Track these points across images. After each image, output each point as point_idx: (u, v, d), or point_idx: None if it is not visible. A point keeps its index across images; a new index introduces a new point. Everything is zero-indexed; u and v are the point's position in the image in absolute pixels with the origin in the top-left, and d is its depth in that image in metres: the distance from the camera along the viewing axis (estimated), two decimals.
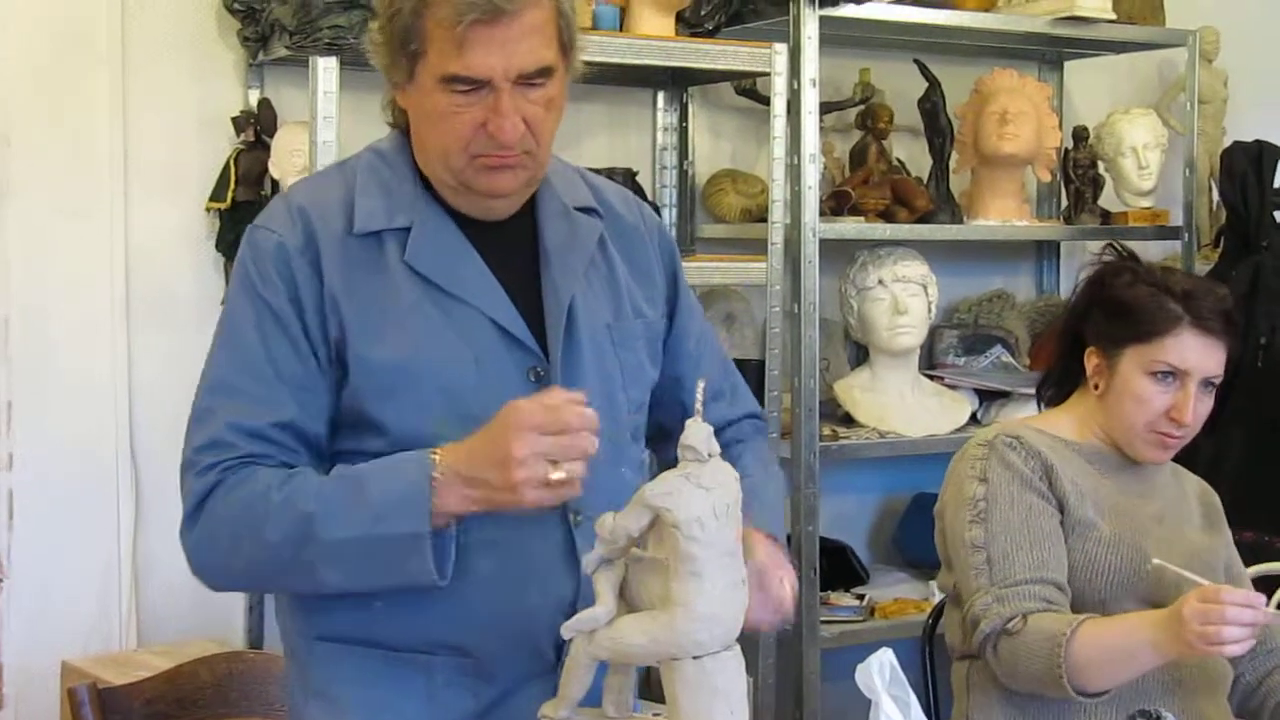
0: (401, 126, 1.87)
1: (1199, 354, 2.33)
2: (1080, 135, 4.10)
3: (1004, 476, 2.35)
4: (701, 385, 1.58)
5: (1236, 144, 4.11)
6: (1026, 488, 2.34)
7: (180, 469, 1.79)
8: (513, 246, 1.86)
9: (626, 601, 1.58)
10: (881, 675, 1.63)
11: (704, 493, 1.50)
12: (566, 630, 1.58)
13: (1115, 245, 2.53)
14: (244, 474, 1.74)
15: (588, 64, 3.42)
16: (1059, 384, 2.54)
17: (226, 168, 3.34)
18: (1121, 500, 2.39)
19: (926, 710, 2.50)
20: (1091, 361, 2.42)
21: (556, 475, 1.61)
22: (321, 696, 1.85)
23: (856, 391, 3.75)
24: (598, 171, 3.33)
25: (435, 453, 1.68)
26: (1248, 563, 2.60)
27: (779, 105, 3.39)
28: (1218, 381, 2.38)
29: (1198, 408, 2.35)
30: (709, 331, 2.09)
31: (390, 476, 1.70)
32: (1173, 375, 2.33)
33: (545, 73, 1.76)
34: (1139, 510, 2.39)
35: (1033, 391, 3.71)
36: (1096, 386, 2.41)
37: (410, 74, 1.76)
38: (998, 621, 2.24)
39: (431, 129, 1.78)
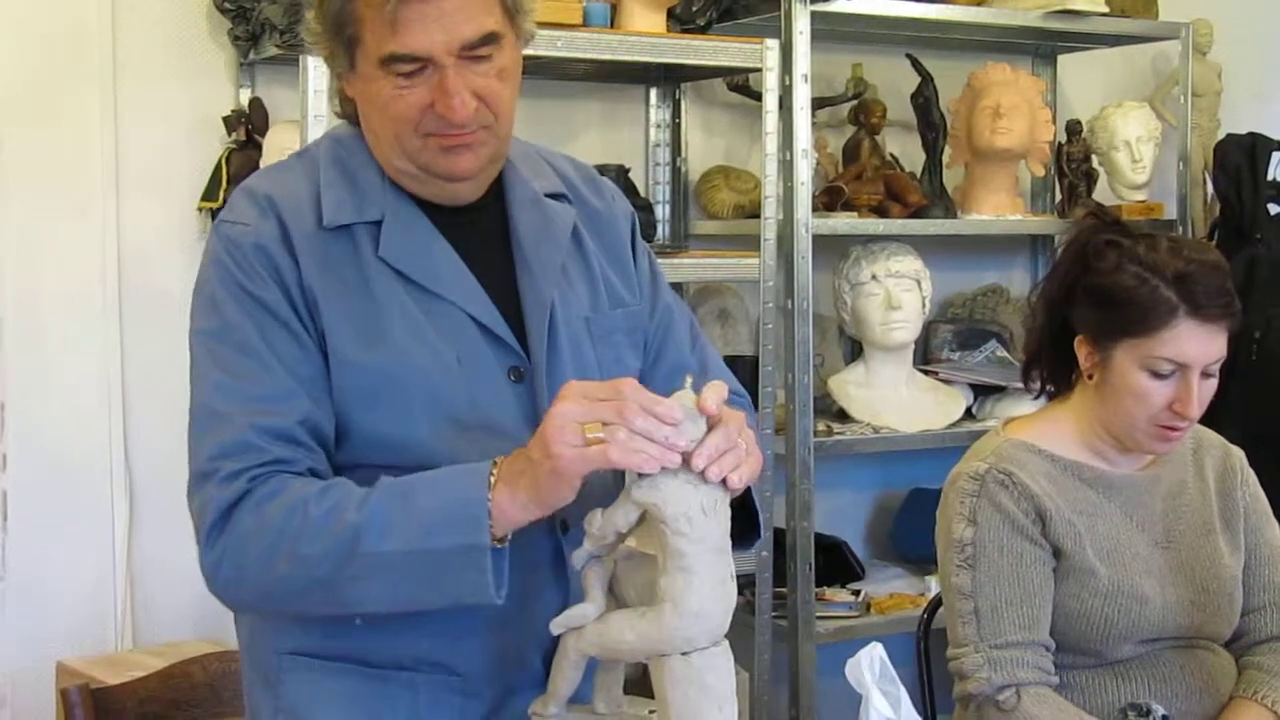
0: (352, 117, 1.79)
1: (1199, 344, 2.16)
2: (1074, 129, 4.10)
3: (994, 520, 2.22)
4: (689, 380, 1.57)
5: (1230, 137, 4.11)
6: (1017, 534, 2.21)
7: (192, 480, 1.66)
8: (483, 236, 1.78)
9: (615, 597, 1.58)
10: (871, 670, 1.62)
11: (692, 488, 1.50)
12: (555, 626, 1.58)
13: (1096, 211, 2.34)
14: (275, 484, 1.62)
15: (580, 61, 3.40)
16: (1054, 370, 2.36)
17: (218, 167, 3.33)
18: (1123, 532, 2.27)
19: (922, 703, 2.50)
20: (1082, 351, 2.26)
21: (592, 433, 1.49)
22: (293, 715, 1.74)
23: (851, 387, 3.74)
24: None
25: (497, 460, 1.57)
26: None
27: (771, 101, 3.38)
28: (1222, 361, 2.20)
29: (1202, 395, 2.19)
30: (676, 308, 1.97)
31: (444, 485, 1.58)
32: (1173, 368, 2.17)
33: (490, 40, 1.67)
34: (1142, 540, 2.28)
35: (1025, 389, 3.75)
36: (1091, 376, 2.26)
37: (351, 62, 1.70)
38: (987, 688, 2.17)
39: (380, 116, 1.70)
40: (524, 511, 1.56)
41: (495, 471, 1.56)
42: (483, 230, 1.79)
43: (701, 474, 1.50)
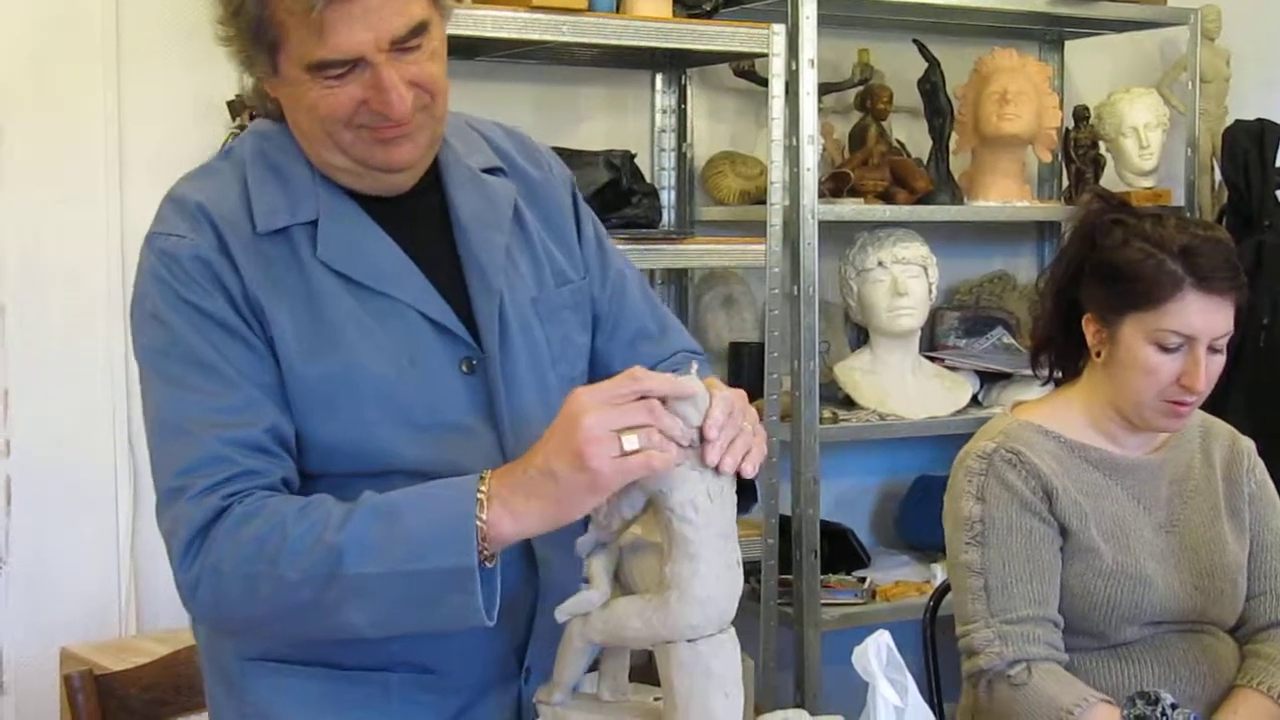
0: (275, 114, 1.71)
1: (1205, 317, 2.17)
2: (1081, 115, 4.08)
3: (1002, 497, 2.23)
4: (694, 366, 1.56)
5: (1238, 123, 4.10)
6: (1026, 510, 2.23)
7: (160, 499, 1.61)
8: (423, 225, 1.71)
9: (621, 585, 1.58)
10: (878, 657, 1.62)
11: (697, 474, 1.49)
12: (560, 613, 1.57)
13: (1102, 194, 2.36)
14: (252, 504, 1.56)
15: (585, 46, 3.37)
16: (1062, 354, 2.37)
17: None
18: (1128, 514, 2.28)
19: (928, 691, 2.50)
20: (1090, 328, 2.27)
21: (629, 443, 1.43)
22: (261, 718, 1.69)
23: (857, 374, 3.74)
24: (595, 154, 3.34)
25: (484, 474, 1.51)
26: None
27: (777, 87, 3.37)
28: (1229, 337, 2.21)
29: (1209, 370, 2.19)
30: (627, 271, 1.91)
31: (431, 503, 1.52)
32: (1180, 341, 2.18)
33: (419, 30, 1.60)
34: (1146, 523, 2.29)
35: (1034, 374, 3.75)
36: (1099, 354, 2.27)
37: (273, 67, 1.62)
38: (999, 663, 2.17)
39: (309, 116, 1.62)
40: (524, 528, 1.51)
41: (484, 489, 1.50)
42: (422, 218, 1.72)
43: (715, 468, 1.49)
